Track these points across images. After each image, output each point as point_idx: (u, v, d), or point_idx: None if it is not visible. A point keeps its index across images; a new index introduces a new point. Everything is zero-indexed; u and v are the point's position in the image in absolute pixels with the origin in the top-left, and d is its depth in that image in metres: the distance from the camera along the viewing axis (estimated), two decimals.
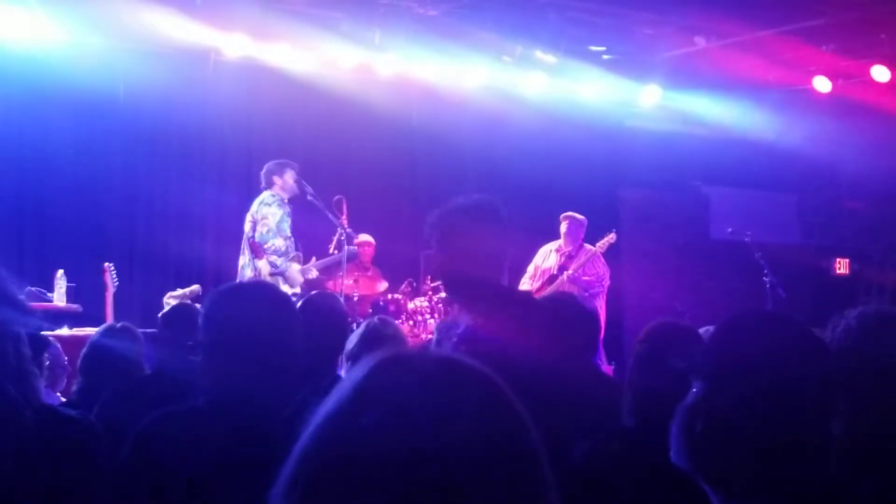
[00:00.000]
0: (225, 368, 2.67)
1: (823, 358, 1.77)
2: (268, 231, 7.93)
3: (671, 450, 1.77)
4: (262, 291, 2.84)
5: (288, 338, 2.67)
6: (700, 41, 9.82)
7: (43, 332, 1.34)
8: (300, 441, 1.02)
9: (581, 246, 9.05)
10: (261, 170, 9.24)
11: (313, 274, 8.29)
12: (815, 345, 1.79)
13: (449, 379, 1.02)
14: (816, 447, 1.67)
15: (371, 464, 0.95)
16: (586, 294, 8.71)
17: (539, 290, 8.95)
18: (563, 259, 9.01)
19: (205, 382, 2.63)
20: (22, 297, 1.34)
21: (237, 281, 7.49)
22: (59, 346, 5.12)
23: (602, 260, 9.05)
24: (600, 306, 8.83)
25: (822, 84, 10.34)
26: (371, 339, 3.87)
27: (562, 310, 4.13)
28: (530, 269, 9.23)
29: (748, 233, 9.35)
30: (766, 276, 9.01)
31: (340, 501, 0.95)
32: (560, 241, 9.09)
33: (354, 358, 3.86)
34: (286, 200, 8.15)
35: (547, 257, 9.14)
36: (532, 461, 1.01)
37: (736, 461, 1.67)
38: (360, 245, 9.06)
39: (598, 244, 9.02)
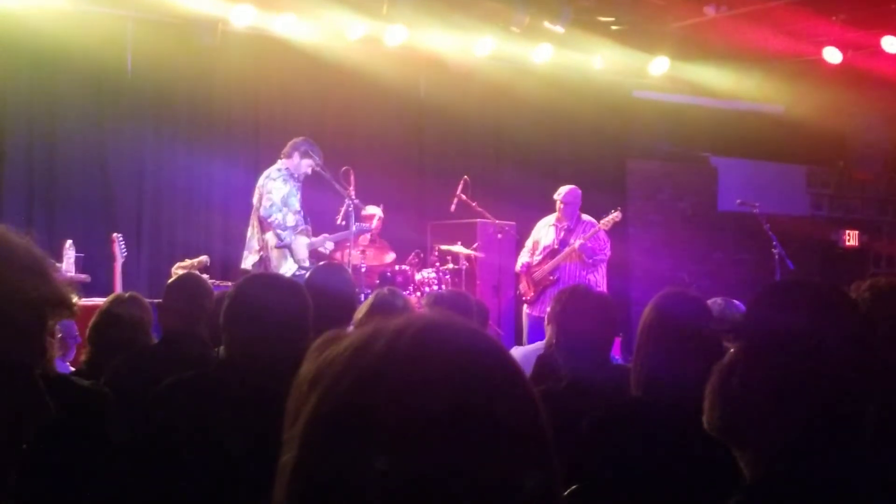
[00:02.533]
0: (243, 343, 2.78)
1: (864, 326, 1.77)
2: (271, 205, 7.88)
3: (704, 411, 1.76)
4: (281, 283, 3.08)
5: (302, 321, 2.83)
6: (709, 11, 9.74)
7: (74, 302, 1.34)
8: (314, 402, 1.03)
9: (579, 218, 8.89)
10: (268, 140, 9.21)
11: (329, 246, 8.26)
12: (857, 313, 1.80)
13: (466, 347, 1.03)
14: (854, 414, 1.67)
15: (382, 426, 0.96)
16: (590, 260, 8.65)
17: (540, 264, 8.89)
18: (562, 233, 8.87)
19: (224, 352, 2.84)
20: (48, 264, 1.32)
21: (262, 271, 7.46)
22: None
23: (605, 236, 8.94)
24: (601, 276, 8.78)
25: (832, 55, 10.26)
26: (380, 310, 3.88)
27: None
28: (528, 243, 9.07)
29: (756, 204, 9.30)
30: (774, 247, 8.97)
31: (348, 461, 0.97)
32: (556, 215, 8.91)
33: None
34: (295, 176, 8.06)
35: (546, 233, 8.97)
36: (536, 423, 1.02)
37: (770, 422, 1.67)
38: (368, 217, 9.01)
39: (602, 221, 8.81)
